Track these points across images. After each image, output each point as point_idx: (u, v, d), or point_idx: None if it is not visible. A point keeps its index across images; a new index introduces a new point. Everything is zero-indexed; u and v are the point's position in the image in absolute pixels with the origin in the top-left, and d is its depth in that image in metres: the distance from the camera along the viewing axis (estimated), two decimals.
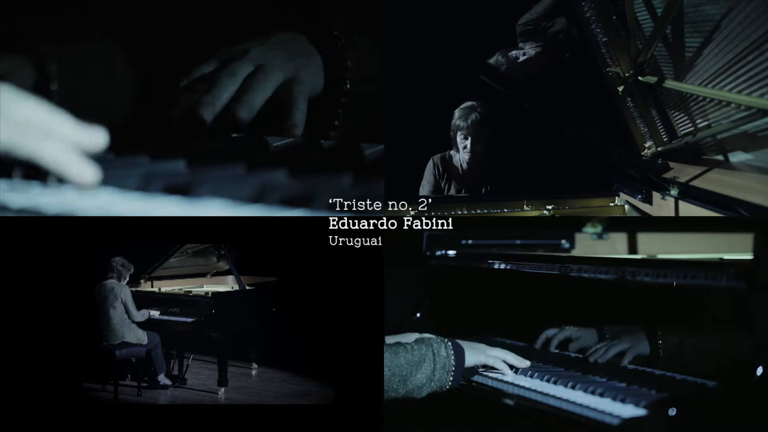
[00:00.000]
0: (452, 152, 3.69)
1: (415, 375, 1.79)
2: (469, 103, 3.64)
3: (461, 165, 3.65)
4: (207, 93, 2.00)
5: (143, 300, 2.82)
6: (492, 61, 3.75)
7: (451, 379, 1.82)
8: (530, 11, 3.72)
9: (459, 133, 3.62)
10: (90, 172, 1.57)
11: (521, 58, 3.73)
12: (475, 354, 1.87)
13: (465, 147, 3.62)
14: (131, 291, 2.75)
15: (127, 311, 2.71)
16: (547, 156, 3.50)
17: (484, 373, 1.89)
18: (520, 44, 3.76)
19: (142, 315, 2.76)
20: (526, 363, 1.90)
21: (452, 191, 3.66)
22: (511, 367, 1.89)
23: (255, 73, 2.04)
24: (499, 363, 1.87)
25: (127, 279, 2.74)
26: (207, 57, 2.11)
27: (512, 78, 3.66)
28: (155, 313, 2.80)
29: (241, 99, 2.01)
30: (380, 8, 2.26)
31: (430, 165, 3.69)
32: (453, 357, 1.82)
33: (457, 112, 3.65)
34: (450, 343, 1.84)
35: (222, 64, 2.07)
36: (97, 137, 1.62)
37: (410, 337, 1.92)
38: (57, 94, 2.20)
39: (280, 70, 2.07)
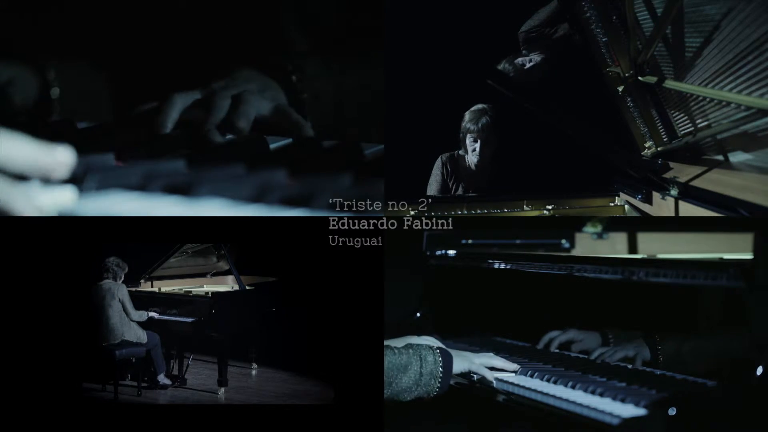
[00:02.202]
0: (461, 152, 3.70)
1: (400, 379, 1.80)
2: (480, 106, 3.64)
3: (469, 166, 3.65)
4: (208, 114, 2.01)
5: (143, 300, 2.83)
6: (499, 68, 3.76)
7: (438, 385, 1.82)
8: (532, 18, 3.72)
9: (468, 135, 3.62)
10: (62, 158, 1.51)
11: (527, 65, 3.74)
12: (462, 361, 1.88)
13: (474, 150, 3.62)
14: (129, 291, 2.75)
15: (126, 310, 2.72)
16: (547, 156, 3.51)
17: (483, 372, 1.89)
18: (524, 51, 3.76)
19: (140, 315, 2.76)
20: (515, 366, 1.90)
21: (459, 191, 3.66)
22: (498, 370, 1.89)
23: (243, 92, 2.07)
24: (482, 370, 1.88)
25: (123, 278, 2.74)
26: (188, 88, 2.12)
27: (519, 83, 3.66)
28: (154, 314, 2.80)
29: (238, 110, 2.02)
30: (380, 11, 2.26)
31: (438, 164, 3.69)
32: (441, 364, 1.83)
33: (467, 115, 3.65)
34: (438, 351, 1.85)
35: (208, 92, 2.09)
36: (63, 159, 1.54)
37: (399, 343, 1.93)
38: (58, 102, 2.21)
39: (262, 96, 2.09)
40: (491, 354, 1.94)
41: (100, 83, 2.37)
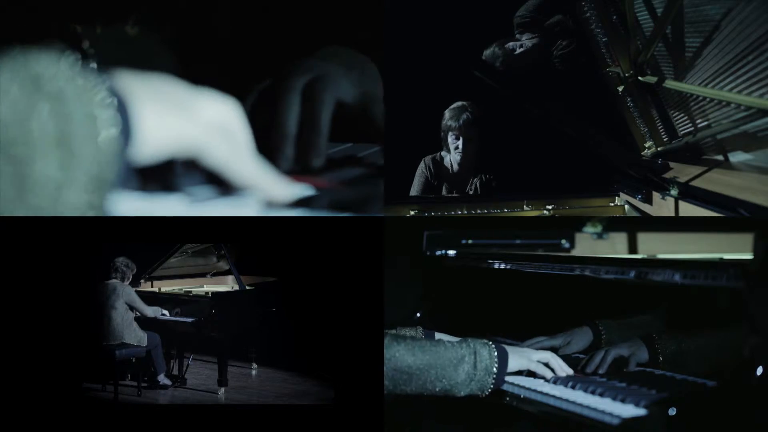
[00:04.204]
0: (443, 153, 3.69)
1: (454, 371, 1.75)
2: (459, 103, 3.63)
3: (452, 166, 3.64)
4: (275, 134, 1.71)
5: (144, 300, 2.83)
6: (488, 52, 3.75)
7: (492, 382, 1.77)
8: (527, 3, 3.73)
9: (450, 133, 3.61)
10: (284, 189, 1.50)
11: (517, 51, 3.73)
12: (519, 359, 1.83)
13: (456, 147, 3.60)
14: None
15: (138, 310, 2.72)
16: (547, 156, 3.50)
17: None
18: (517, 36, 3.76)
19: (154, 311, 2.76)
20: (570, 371, 1.84)
21: (443, 192, 3.66)
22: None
23: (314, 95, 1.74)
24: (541, 368, 1.83)
25: (130, 279, 2.74)
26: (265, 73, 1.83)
27: (509, 70, 3.66)
28: (166, 313, 2.81)
29: (309, 142, 1.71)
30: (380, 10, 2.25)
31: (421, 166, 3.69)
32: (496, 359, 1.78)
33: (447, 113, 3.64)
34: (494, 346, 1.80)
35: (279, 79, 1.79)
36: (285, 191, 1.51)
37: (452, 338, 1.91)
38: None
39: (343, 79, 1.79)
40: (550, 353, 1.88)
41: (147, 53, 2.08)
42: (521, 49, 3.73)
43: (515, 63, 3.72)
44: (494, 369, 1.78)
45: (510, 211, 2.91)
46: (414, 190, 3.68)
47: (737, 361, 1.52)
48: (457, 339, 1.83)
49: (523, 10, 3.73)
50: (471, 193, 3.61)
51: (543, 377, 1.82)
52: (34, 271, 2.13)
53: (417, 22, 3.55)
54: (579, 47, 3.42)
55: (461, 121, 3.58)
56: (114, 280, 2.70)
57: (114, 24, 2.04)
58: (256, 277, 2.99)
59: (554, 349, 1.97)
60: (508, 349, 1.83)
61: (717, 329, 1.67)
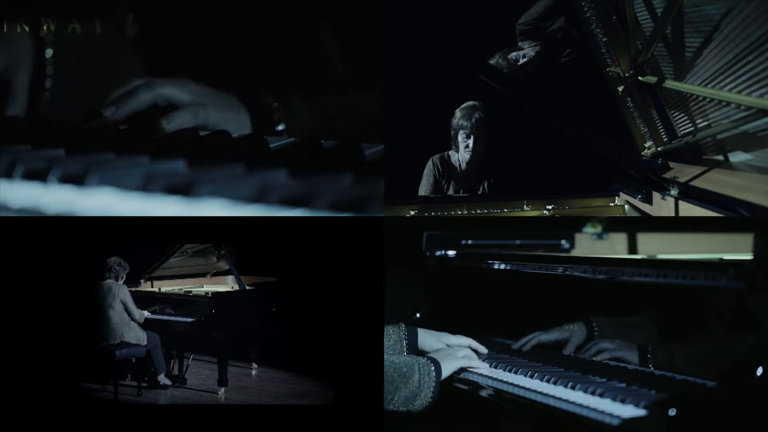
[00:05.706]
0: (451, 152, 3.70)
1: (401, 390, 1.82)
2: (471, 103, 3.64)
3: (460, 164, 3.65)
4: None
5: (144, 300, 2.83)
6: (492, 62, 3.76)
7: (431, 397, 1.84)
8: (529, 11, 3.73)
9: (461, 132, 3.62)
10: None
11: (521, 61, 3.73)
12: (449, 362, 1.90)
13: (467, 146, 3.62)
14: (129, 290, 2.75)
15: (128, 311, 2.72)
16: (547, 156, 3.51)
17: (484, 374, 1.89)
18: (520, 43, 3.76)
19: (141, 315, 2.76)
20: (485, 350, 2.01)
21: (451, 191, 3.66)
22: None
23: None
24: (474, 362, 1.92)
25: (124, 278, 2.74)
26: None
27: (513, 79, 3.66)
28: (147, 314, 2.80)
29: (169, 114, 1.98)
30: (380, 11, 2.25)
31: (429, 165, 3.70)
32: (434, 375, 1.84)
33: (458, 112, 3.65)
34: (429, 361, 1.86)
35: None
36: None
37: (431, 339, 1.96)
38: (51, 78, 2.15)
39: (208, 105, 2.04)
40: (466, 344, 1.99)
41: (103, 46, 2.27)
42: (525, 59, 3.73)
43: (519, 73, 3.72)
44: (432, 383, 1.84)
45: (510, 211, 2.91)
46: (423, 190, 3.68)
47: (737, 361, 1.52)
48: (404, 358, 1.88)
49: (525, 17, 3.73)
50: (480, 194, 3.62)
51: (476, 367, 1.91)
52: (34, 271, 2.13)
53: (418, 23, 3.54)
54: (581, 54, 3.41)
55: (473, 121, 3.59)
56: (109, 281, 2.70)
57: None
58: (256, 277, 2.99)
59: (558, 345, 1.99)
60: (436, 355, 1.90)
61: (716, 329, 1.67)
